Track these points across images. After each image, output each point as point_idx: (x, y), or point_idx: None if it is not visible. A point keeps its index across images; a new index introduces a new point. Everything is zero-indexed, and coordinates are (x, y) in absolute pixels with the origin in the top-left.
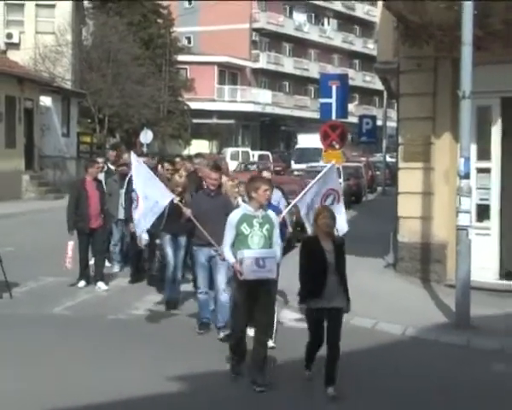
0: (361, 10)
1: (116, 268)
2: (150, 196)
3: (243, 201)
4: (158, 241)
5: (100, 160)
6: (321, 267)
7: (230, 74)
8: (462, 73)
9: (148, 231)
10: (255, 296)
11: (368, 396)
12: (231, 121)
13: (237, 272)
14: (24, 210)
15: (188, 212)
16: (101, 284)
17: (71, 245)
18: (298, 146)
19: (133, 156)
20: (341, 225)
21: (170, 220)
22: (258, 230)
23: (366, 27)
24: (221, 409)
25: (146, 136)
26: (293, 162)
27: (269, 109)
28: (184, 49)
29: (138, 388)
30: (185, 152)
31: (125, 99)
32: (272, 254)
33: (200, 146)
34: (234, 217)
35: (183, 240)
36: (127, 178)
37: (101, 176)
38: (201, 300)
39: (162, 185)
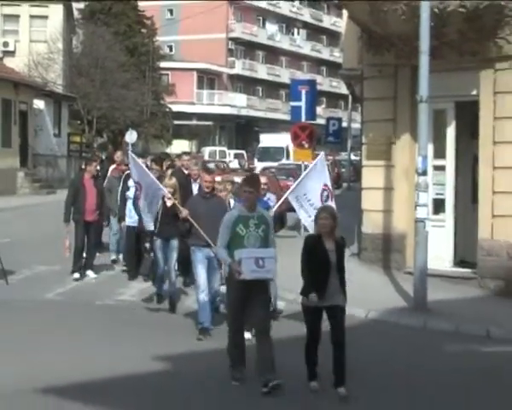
0: (328, 21)
1: (113, 256)
2: (147, 191)
3: (234, 200)
4: (147, 245)
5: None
6: (323, 267)
7: (208, 80)
8: (420, 79)
9: (138, 233)
10: (251, 295)
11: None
12: (209, 123)
13: (235, 272)
14: (19, 204)
15: (185, 212)
16: (90, 273)
17: (68, 236)
18: (260, 145)
19: (130, 154)
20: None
21: (162, 223)
22: (254, 231)
23: (333, 37)
24: (204, 388)
25: (131, 136)
26: (256, 160)
27: (244, 112)
28: (166, 56)
29: (125, 367)
30: (167, 151)
31: (112, 102)
32: (271, 255)
33: (180, 146)
34: (229, 218)
35: (175, 242)
36: (122, 177)
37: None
38: (201, 301)
39: (156, 182)
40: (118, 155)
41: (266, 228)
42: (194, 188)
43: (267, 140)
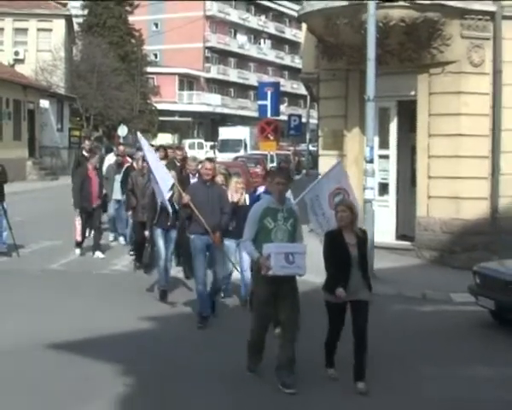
0: (290, 33)
1: (111, 237)
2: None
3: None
4: (147, 233)
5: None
6: (344, 261)
7: (188, 82)
8: (367, 81)
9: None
10: (279, 293)
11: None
12: (189, 119)
13: (264, 268)
14: (28, 189)
15: (186, 197)
16: (98, 253)
17: (78, 221)
18: (220, 138)
19: (144, 142)
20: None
21: (162, 216)
22: (283, 224)
23: (293, 46)
24: (183, 342)
25: (122, 130)
26: (217, 151)
27: (218, 109)
28: (152, 62)
29: (116, 326)
30: (153, 143)
31: (106, 102)
32: (302, 250)
33: (164, 138)
34: (257, 210)
35: (173, 233)
36: (123, 169)
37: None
38: (200, 292)
39: (165, 171)
40: (121, 149)
41: (295, 222)
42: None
43: (226, 133)
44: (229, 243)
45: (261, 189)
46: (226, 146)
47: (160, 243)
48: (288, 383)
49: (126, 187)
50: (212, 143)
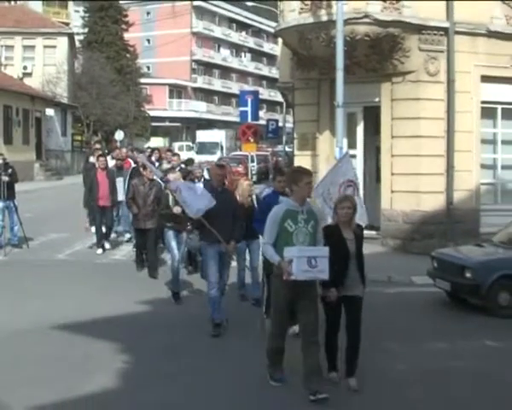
0: (267, 47)
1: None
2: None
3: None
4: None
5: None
6: (343, 256)
7: (177, 91)
8: (337, 89)
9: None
10: (299, 298)
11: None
12: (178, 124)
13: (285, 273)
14: (36, 188)
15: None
16: (106, 244)
17: (87, 221)
18: (198, 140)
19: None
20: (362, 218)
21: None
22: (304, 226)
23: (271, 58)
24: (173, 325)
25: (119, 135)
26: (195, 154)
27: (204, 115)
28: (145, 74)
29: (115, 309)
30: (146, 145)
31: (105, 109)
32: (325, 253)
33: (156, 141)
34: (277, 212)
35: (184, 236)
36: (129, 171)
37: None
38: (213, 297)
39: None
40: (123, 152)
41: (315, 224)
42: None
43: (203, 136)
44: (240, 245)
45: (268, 190)
46: (203, 148)
47: (173, 244)
48: (317, 389)
49: (126, 194)
50: (190, 146)
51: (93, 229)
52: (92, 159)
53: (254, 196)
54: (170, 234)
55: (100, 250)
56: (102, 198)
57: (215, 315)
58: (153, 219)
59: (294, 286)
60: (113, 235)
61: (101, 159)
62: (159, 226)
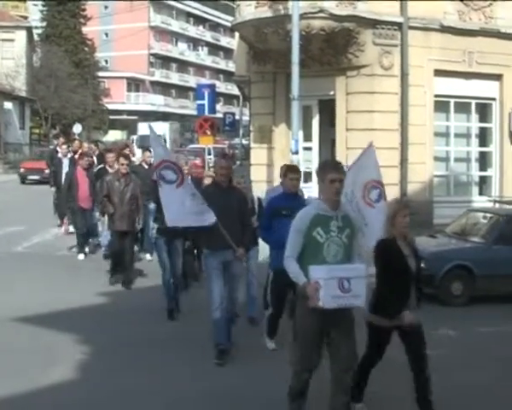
0: (224, 41)
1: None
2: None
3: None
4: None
5: (64, 146)
6: (404, 276)
7: (135, 85)
8: (292, 83)
9: None
10: (330, 326)
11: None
12: (136, 117)
13: (311, 298)
14: None
15: None
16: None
17: (65, 220)
18: (139, 133)
19: (152, 129)
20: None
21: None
22: (337, 236)
23: (228, 52)
24: (133, 315)
25: (77, 128)
26: (135, 147)
27: (162, 109)
28: (103, 68)
29: (74, 301)
30: (104, 139)
31: (63, 103)
32: (361, 272)
33: (114, 135)
34: (303, 218)
35: (179, 244)
36: (95, 170)
37: (66, 162)
38: (217, 319)
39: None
40: (80, 145)
41: (351, 233)
42: None
43: (145, 128)
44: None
45: (278, 188)
46: (145, 141)
47: (165, 256)
48: None
49: (100, 192)
50: (131, 139)
51: (71, 227)
52: (60, 153)
53: (256, 198)
54: (160, 243)
55: (82, 256)
56: (82, 199)
57: (220, 339)
58: (131, 220)
59: (323, 314)
60: None
61: (86, 158)
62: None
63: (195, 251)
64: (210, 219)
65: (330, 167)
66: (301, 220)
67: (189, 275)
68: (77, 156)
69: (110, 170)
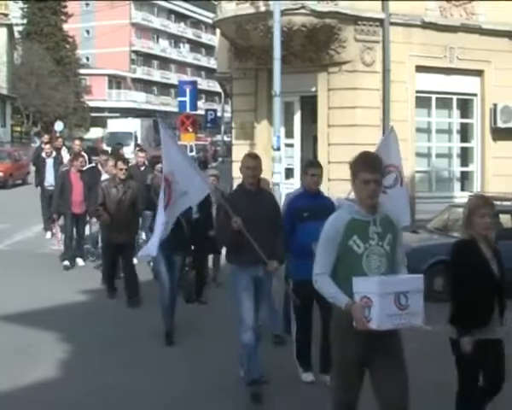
0: (206, 38)
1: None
2: (181, 181)
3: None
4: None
5: (47, 146)
6: (487, 284)
7: (116, 82)
8: (274, 79)
9: None
10: (376, 352)
11: None
12: (117, 114)
13: (359, 320)
14: None
15: (239, 221)
16: (79, 260)
17: (57, 228)
18: (108, 130)
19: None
20: (403, 217)
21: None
22: (377, 245)
23: (209, 49)
24: (115, 314)
25: (58, 125)
26: (104, 145)
27: (143, 106)
28: (84, 65)
29: (55, 299)
30: (86, 136)
31: (44, 100)
32: (418, 285)
33: (96, 132)
34: (336, 224)
35: (178, 260)
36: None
37: (50, 162)
38: (247, 345)
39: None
40: (76, 145)
41: (393, 239)
42: None
43: (114, 125)
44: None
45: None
46: (115, 139)
47: (163, 270)
48: None
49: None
50: (101, 136)
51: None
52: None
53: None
54: (159, 257)
55: (66, 262)
56: (76, 204)
57: (253, 374)
58: (129, 231)
59: (368, 339)
60: None
61: (81, 159)
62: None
63: (196, 269)
64: (152, 250)
65: (363, 165)
66: (333, 228)
67: (188, 298)
68: (64, 155)
69: (103, 171)
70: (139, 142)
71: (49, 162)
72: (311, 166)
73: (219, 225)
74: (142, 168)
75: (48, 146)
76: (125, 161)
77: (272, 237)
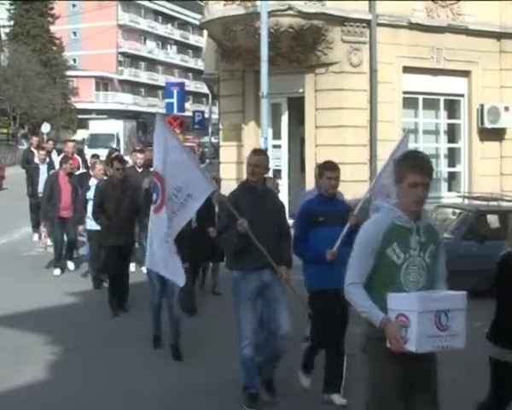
0: (193, 39)
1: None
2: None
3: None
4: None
5: (42, 152)
6: None
7: (103, 84)
8: (261, 80)
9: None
10: (411, 375)
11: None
12: (105, 116)
13: (394, 340)
14: None
15: (245, 223)
16: (69, 263)
17: (44, 233)
18: (90, 132)
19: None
20: None
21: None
22: (419, 256)
23: (196, 51)
24: (103, 315)
25: (46, 127)
26: (86, 147)
27: (131, 107)
28: (71, 67)
29: (42, 301)
30: (73, 138)
31: (31, 102)
32: (460, 303)
33: (83, 134)
34: (374, 229)
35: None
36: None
37: (44, 169)
38: (246, 358)
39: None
40: (70, 147)
41: (436, 249)
42: None
43: (96, 127)
44: None
45: (313, 191)
46: (96, 141)
47: (157, 285)
48: None
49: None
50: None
51: (49, 241)
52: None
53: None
54: (153, 271)
55: (58, 271)
56: (65, 208)
57: (249, 382)
58: (129, 233)
59: (404, 362)
60: None
61: (70, 162)
62: None
63: (195, 276)
64: (180, 280)
65: (412, 166)
66: (371, 233)
67: (185, 309)
68: (55, 159)
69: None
70: (121, 143)
71: (43, 168)
72: (329, 168)
73: (222, 227)
74: (140, 170)
75: (43, 152)
76: (122, 160)
77: (278, 241)
